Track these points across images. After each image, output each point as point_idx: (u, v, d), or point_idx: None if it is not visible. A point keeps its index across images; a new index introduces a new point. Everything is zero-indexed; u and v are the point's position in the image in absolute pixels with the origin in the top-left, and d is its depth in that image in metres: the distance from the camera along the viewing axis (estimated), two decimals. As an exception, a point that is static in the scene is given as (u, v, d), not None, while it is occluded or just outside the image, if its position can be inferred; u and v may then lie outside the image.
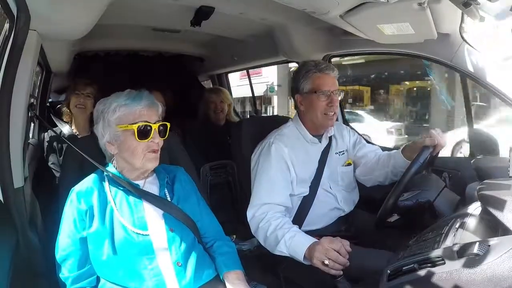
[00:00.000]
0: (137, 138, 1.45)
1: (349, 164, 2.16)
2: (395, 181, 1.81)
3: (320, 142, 2.07)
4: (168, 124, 1.55)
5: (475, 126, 2.37)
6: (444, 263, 1.06)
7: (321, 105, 1.96)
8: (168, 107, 3.01)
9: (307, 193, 1.98)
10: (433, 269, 1.07)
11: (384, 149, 2.24)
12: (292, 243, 1.64)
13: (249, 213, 1.84)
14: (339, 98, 2.02)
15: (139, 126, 1.45)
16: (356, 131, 2.44)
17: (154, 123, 1.48)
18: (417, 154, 1.71)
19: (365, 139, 2.39)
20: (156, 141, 1.49)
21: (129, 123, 1.45)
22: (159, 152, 1.53)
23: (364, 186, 2.17)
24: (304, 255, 1.59)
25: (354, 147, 2.20)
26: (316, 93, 1.95)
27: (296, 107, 2.10)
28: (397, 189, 1.65)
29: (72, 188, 1.49)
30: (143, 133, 1.46)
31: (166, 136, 1.55)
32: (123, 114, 1.47)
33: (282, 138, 1.98)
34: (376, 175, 2.07)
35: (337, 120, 2.77)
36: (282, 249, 1.67)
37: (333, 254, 1.47)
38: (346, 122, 2.96)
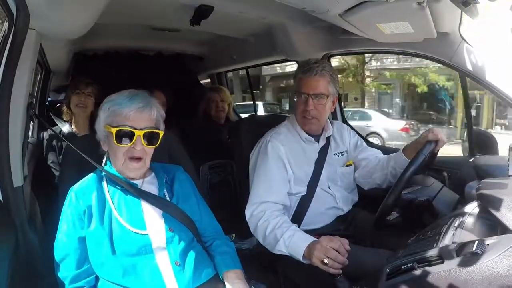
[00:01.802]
0: (115, 142, 1.42)
1: (349, 165, 2.15)
2: (393, 183, 1.81)
3: (317, 141, 2.06)
4: (161, 133, 1.51)
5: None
6: (443, 262, 1.07)
7: (299, 106, 1.96)
8: (168, 106, 3.02)
9: (305, 193, 1.98)
10: (431, 268, 1.08)
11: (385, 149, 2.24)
12: (291, 242, 1.64)
13: (247, 212, 1.84)
14: (325, 103, 1.95)
15: (117, 130, 1.41)
16: (357, 132, 2.44)
17: (140, 129, 1.43)
18: (419, 150, 1.72)
19: (366, 141, 2.39)
20: (138, 148, 1.44)
21: (113, 125, 1.43)
22: (143, 161, 1.48)
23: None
24: (304, 254, 1.59)
25: (355, 149, 2.19)
26: (296, 93, 1.96)
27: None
28: (399, 183, 1.65)
29: (71, 188, 1.49)
30: (124, 138, 1.42)
31: (157, 144, 1.50)
32: (112, 114, 1.45)
33: (278, 137, 1.98)
34: (374, 178, 2.06)
35: (336, 119, 2.79)
36: (281, 248, 1.67)
37: (332, 253, 1.47)
38: (345, 121, 2.96)
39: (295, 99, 1.99)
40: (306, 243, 1.59)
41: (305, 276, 1.74)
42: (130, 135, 1.42)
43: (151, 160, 1.56)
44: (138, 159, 1.47)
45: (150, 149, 1.50)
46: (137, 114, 1.44)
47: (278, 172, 1.91)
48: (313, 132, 2.05)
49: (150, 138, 1.47)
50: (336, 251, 1.47)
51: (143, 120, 1.45)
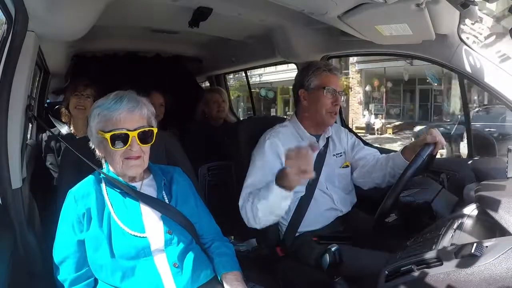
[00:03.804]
0: (111, 147, 1.41)
1: (346, 166, 2.16)
2: (392, 183, 1.81)
3: (317, 142, 2.06)
4: (155, 130, 1.50)
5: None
6: (442, 264, 1.07)
7: (327, 102, 1.99)
8: (167, 107, 3.02)
9: (303, 193, 1.97)
10: (430, 270, 1.08)
11: (382, 151, 2.25)
12: (265, 192, 1.66)
13: (240, 200, 1.84)
14: (342, 99, 2.06)
15: (111, 135, 1.40)
16: (354, 134, 2.44)
17: (134, 130, 1.42)
18: (417, 152, 1.72)
19: (363, 141, 2.39)
20: (134, 149, 1.43)
21: (107, 130, 1.41)
22: (142, 159, 1.48)
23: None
24: (280, 186, 1.60)
25: (353, 149, 2.20)
26: (324, 89, 1.98)
27: (296, 104, 2.11)
28: (398, 186, 1.65)
29: (70, 190, 1.49)
30: (118, 140, 1.41)
31: (153, 141, 1.49)
32: (102, 120, 1.43)
33: (277, 135, 1.99)
34: (373, 177, 2.07)
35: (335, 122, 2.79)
36: (264, 205, 1.68)
37: (302, 163, 1.49)
38: (344, 124, 2.96)
39: (318, 96, 2.01)
40: (273, 184, 1.61)
41: (303, 278, 1.74)
42: (125, 137, 1.41)
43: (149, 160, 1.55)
44: (137, 157, 1.46)
45: (147, 148, 1.49)
46: (128, 115, 1.43)
47: (275, 166, 1.89)
48: (319, 132, 2.09)
49: (145, 137, 1.46)
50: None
51: (135, 121, 1.44)
